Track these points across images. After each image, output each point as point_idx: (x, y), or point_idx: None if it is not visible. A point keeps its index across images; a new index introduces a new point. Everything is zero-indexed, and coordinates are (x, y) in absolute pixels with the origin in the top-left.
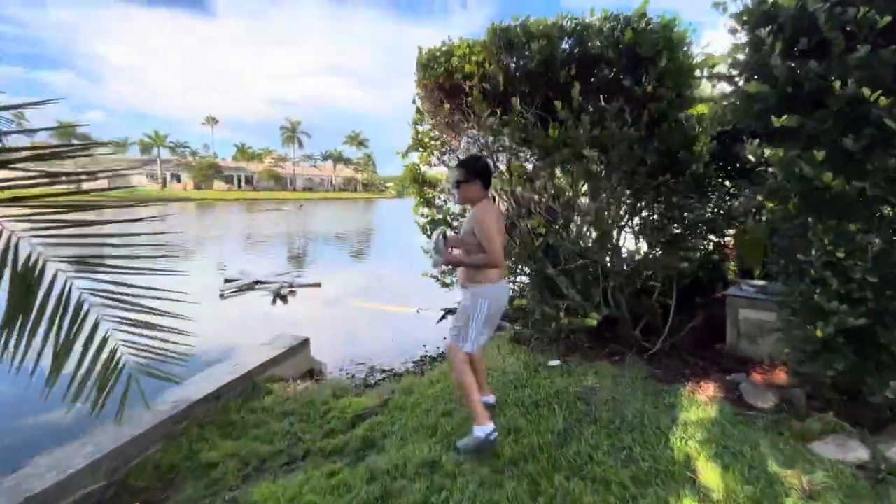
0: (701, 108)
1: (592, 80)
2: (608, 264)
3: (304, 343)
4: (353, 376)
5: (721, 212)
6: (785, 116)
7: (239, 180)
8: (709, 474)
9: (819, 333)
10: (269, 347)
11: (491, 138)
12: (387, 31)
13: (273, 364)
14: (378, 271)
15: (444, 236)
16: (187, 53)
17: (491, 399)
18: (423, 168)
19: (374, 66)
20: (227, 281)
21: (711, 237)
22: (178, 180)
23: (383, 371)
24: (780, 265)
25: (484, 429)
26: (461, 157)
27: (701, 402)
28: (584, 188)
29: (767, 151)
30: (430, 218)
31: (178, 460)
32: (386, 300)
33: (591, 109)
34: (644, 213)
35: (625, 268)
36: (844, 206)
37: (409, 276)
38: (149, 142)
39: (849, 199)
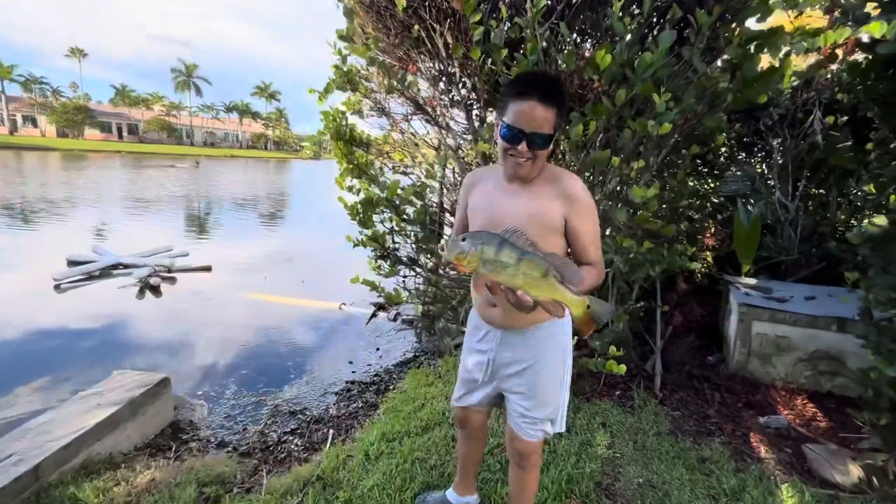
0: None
1: None
2: (620, 266)
3: (161, 386)
4: (244, 430)
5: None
6: None
7: (119, 129)
8: None
9: None
10: (94, 401)
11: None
12: None
13: (95, 436)
14: (290, 249)
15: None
16: None
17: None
18: (352, 119)
19: (290, 15)
20: (71, 264)
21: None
22: (34, 124)
23: (291, 413)
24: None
25: None
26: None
27: (763, 478)
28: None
29: None
30: (364, 195)
31: None
32: (298, 291)
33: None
34: None
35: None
36: None
37: (328, 257)
38: None
39: None
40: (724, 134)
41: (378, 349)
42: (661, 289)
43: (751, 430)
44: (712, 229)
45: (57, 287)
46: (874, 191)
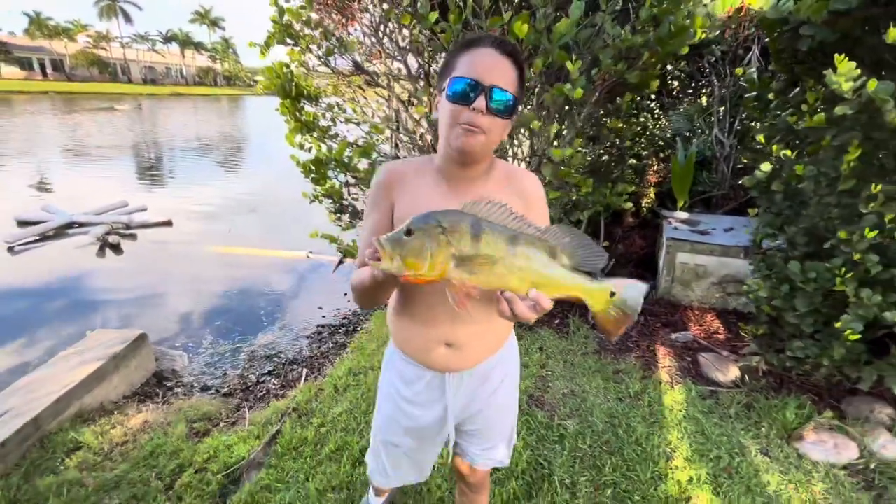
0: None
1: None
2: (552, 214)
3: (139, 341)
4: (224, 374)
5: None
6: None
7: (42, 66)
8: None
9: (851, 336)
10: (77, 359)
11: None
12: None
13: (82, 390)
14: (252, 199)
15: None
16: None
17: None
18: (297, 71)
19: None
20: (21, 224)
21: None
22: None
23: (267, 357)
24: (789, 234)
25: None
26: (359, 57)
27: (664, 383)
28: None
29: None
30: (315, 154)
31: None
32: (265, 241)
33: None
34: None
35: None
36: None
37: (291, 207)
38: None
39: None
40: (658, 81)
41: (346, 294)
42: (608, 224)
43: (662, 346)
44: (655, 167)
45: (10, 250)
46: (762, 141)
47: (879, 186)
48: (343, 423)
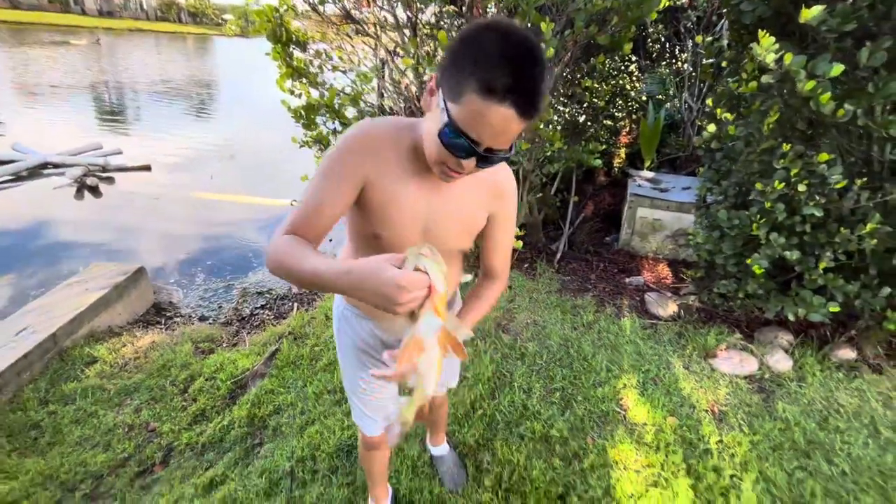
0: None
1: None
2: (525, 164)
3: (138, 275)
4: (219, 307)
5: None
6: (817, 8)
7: None
8: (636, 409)
9: (758, 270)
10: (79, 288)
11: None
12: None
13: (91, 314)
14: (230, 146)
15: None
16: None
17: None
18: (286, 15)
19: None
20: None
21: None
22: None
23: (259, 293)
24: (723, 188)
25: None
26: (348, 4)
27: (612, 315)
28: None
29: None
30: (307, 100)
31: None
32: (248, 189)
33: None
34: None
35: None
36: (820, 133)
37: (272, 154)
38: None
39: (828, 125)
40: (631, 44)
41: (331, 239)
42: (580, 181)
43: (616, 288)
44: (629, 128)
45: None
46: (710, 104)
47: (790, 146)
48: (334, 344)
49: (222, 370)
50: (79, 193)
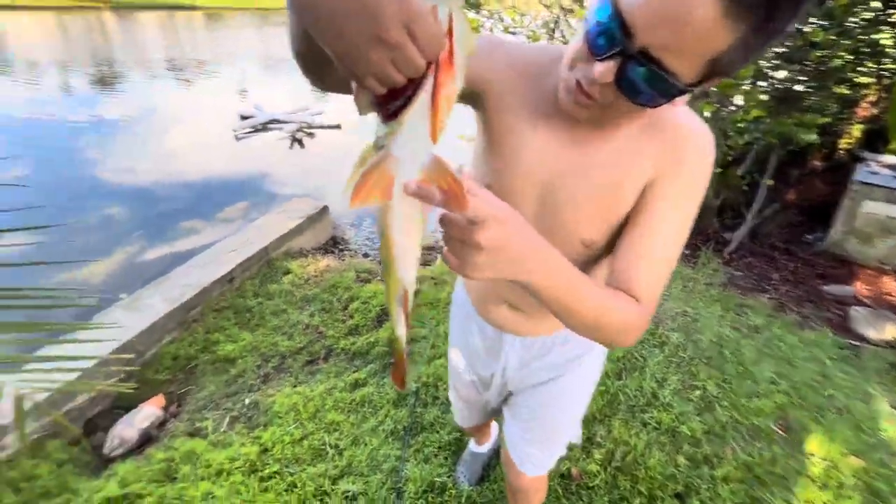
0: None
1: None
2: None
3: (323, 211)
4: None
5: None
6: None
7: None
8: (803, 434)
9: None
10: (283, 216)
11: None
12: None
13: (290, 237)
14: None
15: None
16: None
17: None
18: None
19: None
20: (242, 118)
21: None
22: None
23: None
24: None
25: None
26: None
27: (793, 324)
28: None
29: None
30: None
31: (195, 352)
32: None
33: None
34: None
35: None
36: None
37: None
38: None
39: None
40: None
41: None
42: (784, 163)
43: (806, 294)
44: (875, 98)
45: (235, 137)
46: None
47: None
48: None
49: (375, 297)
50: (291, 145)
